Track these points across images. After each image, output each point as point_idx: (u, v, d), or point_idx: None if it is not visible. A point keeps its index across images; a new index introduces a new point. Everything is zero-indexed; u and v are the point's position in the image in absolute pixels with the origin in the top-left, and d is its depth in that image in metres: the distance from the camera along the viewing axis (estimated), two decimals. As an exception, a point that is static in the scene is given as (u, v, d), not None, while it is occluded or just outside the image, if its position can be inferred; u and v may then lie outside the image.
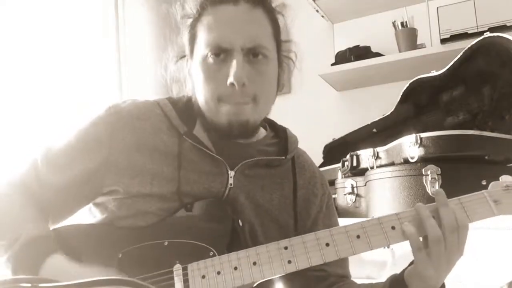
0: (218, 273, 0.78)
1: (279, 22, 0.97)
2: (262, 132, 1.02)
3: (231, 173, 0.90)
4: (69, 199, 0.92)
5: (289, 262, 0.78)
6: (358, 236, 0.79)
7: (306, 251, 0.78)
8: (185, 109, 0.95)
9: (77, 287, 0.50)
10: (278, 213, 0.94)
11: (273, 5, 0.95)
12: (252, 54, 0.87)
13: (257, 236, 0.90)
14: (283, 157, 0.96)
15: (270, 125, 1.06)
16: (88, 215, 0.96)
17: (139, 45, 2.34)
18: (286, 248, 0.79)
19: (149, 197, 0.87)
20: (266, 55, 0.89)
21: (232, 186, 0.90)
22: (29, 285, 0.50)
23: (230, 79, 0.84)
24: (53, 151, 0.91)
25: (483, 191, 0.79)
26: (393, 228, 0.79)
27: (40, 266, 0.78)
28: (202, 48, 0.88)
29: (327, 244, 0.78)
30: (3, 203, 0.88)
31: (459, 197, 0.79)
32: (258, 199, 0.93)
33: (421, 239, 0.77)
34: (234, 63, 0.85)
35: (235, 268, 0.78)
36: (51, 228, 0.90)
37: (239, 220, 0.87)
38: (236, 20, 0.87)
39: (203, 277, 0.78)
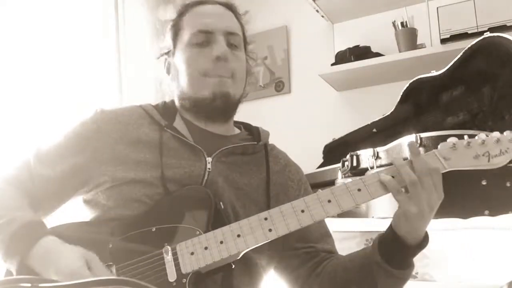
0: (206, 248, 0.86)
1: (244, 27, 1.12)
2: (237, 130, 1.14)
3: (209, 159, 0.99)
4: (59, 190, 1.00)
5: (270, 230, 0.86)
6: (329, 201, 0.87)
7: (284, 218, 0.87)
8: (165, 107, 1.09)
9: (77, 287, 0.50)
10: (257, 195, 1.02)
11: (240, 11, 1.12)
12: (229, 40, 1.03)
13: (238, 217, 0.95)
14: (255, 143, 1.07)
15: (245, 126, 1.17)
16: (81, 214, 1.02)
17: (139, 45, 2.34)
18: (266, 219, 0.87)
19: (134, 183, 0.94)
20: (240, 44, 1.06)
21: (210, 170, 0.98)
22: (29, 285, 0.50)
23: (216, 53, 0.99)
24: (43, 149, 1.01)
25: (433, 150, 0.90)
26: (359, 190, 0.88)
27: (32, 247, 0.84)
28: (186, 35, 1.03)
29: (302, 211, 0.87)
30: None
31: (410, 159, 0.88)
32: (238, 183, 1.01)
33: (403, 190, 0.86)
34: (219, 41, 1.01)
35: (221, 242, 0.86)
36: (47, 215, 1.01)
37: (220, 203, 0.94)
38: (215, 12, 1.06)
39: (192, 253, 0.85)
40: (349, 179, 1.69)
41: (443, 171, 0.88)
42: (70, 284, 0.51)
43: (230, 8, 1.09)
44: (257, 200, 1.02)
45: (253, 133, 1.13)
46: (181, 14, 1.07)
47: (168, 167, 0.96)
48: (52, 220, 1.00)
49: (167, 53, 1.09)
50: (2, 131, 1.66)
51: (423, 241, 0.90)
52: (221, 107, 1.02)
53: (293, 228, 0.86)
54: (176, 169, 0.96)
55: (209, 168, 0.98)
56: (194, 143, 1.00)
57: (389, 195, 0.87)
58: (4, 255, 0.87)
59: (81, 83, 2.02)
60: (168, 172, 0.96)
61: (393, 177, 0.87)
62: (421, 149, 1.44)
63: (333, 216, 0.89)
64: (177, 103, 1.09)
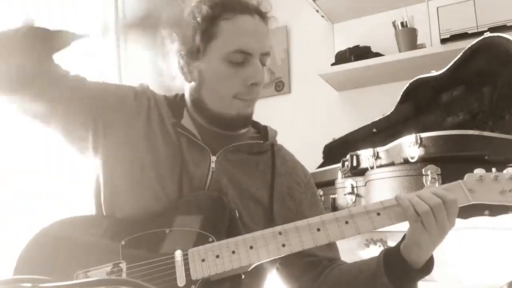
0: (217, 256, 0.85)
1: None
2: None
3: (213, 158, 0.99)
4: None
5: (283, 245, 0.86)
6: (346, 222, 0.87)
7: (299, 235, 0.86)
8: (175, 102, 1.07)
9: (77, 287, 0.50)
10: (261, 196, 1.01)
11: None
12: (262, 60, 0.99)
13: (242, 217, 0.96)
14: (262, 142, 1.06)
15: (253, 124, 1.14)
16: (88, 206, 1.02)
17: (139, 45, 2.33)
18: (280, 233, 0.87)
19: (147, 169, 0.95)
20: (268, 60, 1.02)
21: (214, 169, 0.98)
22: (29, 285, 0.50)
23: (254, 80, 0.96)
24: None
25: (459, 180, 0.89)
26: (378, 214, 0.88)
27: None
28: (222, 49, 0.96)
29: (318, 229, 0.87)
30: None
31: (438, 187, 0.89)
32: (242, 184, 1.00)
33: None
34: (256, 64, 0.96)
35: (233, 252, 0.85)
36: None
37: (236, 211, 0.94)
38: (255, 31, 0.98)
39: (203, 260, 0.85)
40: (349, 179, 1.70)
41: (466, 204, 0.87)
42: (70, 284, 0.51)
43: (264, 17, 1.01)
44: (260, 201, 1.01)
45: (260, 131, 1.12)
46: (216, 17, 0.96)
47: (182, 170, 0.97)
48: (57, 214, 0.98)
49: (189, 54, 1.00)
50: (1, 130, 1.66)
51: (429, 265, 0.90)
52: (240, 125, 1.02)
53: (307, 246, 0.86)
54: (187, 171, 0.96)
55: (213, 168, 0.98)
56: (202, 143, 1.00)
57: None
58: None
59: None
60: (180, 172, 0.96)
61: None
62: (421, 149, 1.44)
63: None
64: (188, 102, 1.06)
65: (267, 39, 1.00)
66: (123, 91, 1.04)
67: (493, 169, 0.89)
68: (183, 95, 1.08)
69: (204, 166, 0.98)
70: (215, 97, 0.99)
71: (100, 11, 2.20)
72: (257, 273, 0.93)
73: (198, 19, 0.96)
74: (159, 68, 1.06)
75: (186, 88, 1.05)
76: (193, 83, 1.01)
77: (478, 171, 0.89)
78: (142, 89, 1.05)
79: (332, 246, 1.07)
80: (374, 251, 1.49)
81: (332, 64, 2.22)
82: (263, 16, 1.00)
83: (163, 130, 1.00)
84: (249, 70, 0.96)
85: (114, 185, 0.96)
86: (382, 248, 1.46)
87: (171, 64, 1.03)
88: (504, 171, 0.89)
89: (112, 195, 0.96)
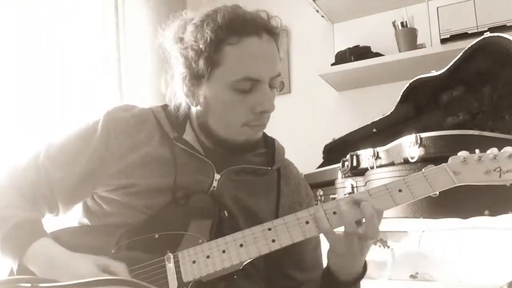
0: (208, 257, 0.85)
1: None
2: None
3: (217, 176, 0.96)
4: (70, 192, 0.97)
5: (273, 241, 0.85)
6: (334, 213, 0.86)
7: (288, 230, 0.86)
8: (177, 116, 1.00)
9: (77, 287, 0.50)
10: (265, 217, 0.98)
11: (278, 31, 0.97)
12: (271, 83, 0.93)
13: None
14: (269, 168, 1.02)
15: None
16: (82, 217, 1.02)
17: (139, 45, 2.34)
18: (269, 229, 0.86)
19: (137, 194, 0.92)
20: (279, 82, 0.96)
21: (215, 188, 0.95)
22: (29, 285, 0.50)
23: (263, 108, 0.91)
24: (53, 148, 0.97)
25: (443, 164, 0.89)
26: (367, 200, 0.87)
27: (27, 248, 0.83)
28: (228, 77, 0.89)
29: (307, 222, 0.86)
30: None
31: (422, 171, 0.89)
32: (246, 202, 0.97)
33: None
34: (265, 90, 0.90)
35: (223, 251, 0.85)
36: (64, 213, 1.00)
37: (225, 211, 0.93)
38: (263, 54, 0.90)
39: (194, 262, 0.85)
40: (349, 179, 1.70)
41: (452, 186, 0.87)
42: (70, 284, 0.51)
43: (273, 34, 0.93)
44: (263, 221, 0.97)
45: (267, 145, 1.07)
46: (220, 41, 0.88)
47: (178, 181, 0.94)
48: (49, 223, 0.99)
49: (193, 79, 0.92)
50: (2, 130, 1.66)
51: (361, 276, 0.92)
52: (248, 149, 0.99)
53: (296, 239, 0.86)
54: (182, 183, 0.94)
55: (214, 187, 0.95)
56: (205, 157, 0.96)
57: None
58: (2, 253, 0.87)
59: (81, 82, 2.02)
60: (179, 182, 0.94)
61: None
62: (421, 149, 1.44)
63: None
64: (194, 122, 1.00)
65: (277, 61, 0.93)
66: (85, 138, 0.96)
67: (477, 150, 0.89)
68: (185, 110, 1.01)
69: (207, 183, 0.95)
70: (222, 124, 0.94)
71: (100, 11, 2.20)
72: (251, 272, 0.94)
73: (201, 45, 0.88)
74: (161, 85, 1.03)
75: (192, 109, 1.00)
76: (199, 107, 0.95)
77: (462, 153, 0.89)
78: (112, 121, 0.96)
79: (317, 271, 1.05)
80: (374, 251, 1.49)
81: (332, 64, 2.22)
82: (272, 33, 0.92)
83: (160, 149, 0.96)
84: (258, 97, 0.90)
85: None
86: (382, 248, 1.46)
87: (175, 86, 0.97)
88: (488, 151, 0.89)
89: (98, 209, 0.97)
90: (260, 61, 0.89)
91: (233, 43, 0.88)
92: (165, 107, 1.02)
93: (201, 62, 0.89)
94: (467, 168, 0.88)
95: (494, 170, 0.87)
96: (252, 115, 0.91)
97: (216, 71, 0.90)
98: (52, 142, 0.98)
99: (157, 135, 0.97)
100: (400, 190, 0.87)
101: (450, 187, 0.87)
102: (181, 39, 0.92)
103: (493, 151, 0.88)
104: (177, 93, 0.97)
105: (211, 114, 0.94)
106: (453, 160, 0.89)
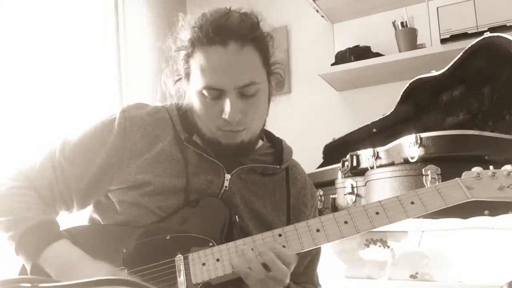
0: (218, 260, 0.85)
1: (269, 46, 0.98)
2: (259, 143, 1.07)
3: (227, 176, 0.97)
4: (89, 188, 0.97)
5: (283, 247, 0.85)
6: (345, 222, 0.86)
7: (299, 236, 0.86)
8: (186, 117, 1.01)
9: (77, 287, 0.50)
10: (271, 218, 1.00)
11: (264, 30, 0.96)
12: (243, 92, 0.91)
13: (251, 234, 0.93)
14: (278, 166, 1.03)
15: (267, 135, 1.11)
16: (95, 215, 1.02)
17: (139, 45, 2.34)
18: (280, 235, 0.87)
19: (150, 194, 0.93)
20: (256, 89, 0.92)
21: (227, 188, 0.96)
22: (29, 285, 0.50)
23: (225, 117, 0.90)
24: (69, 146, 0.98)
25: (456, 178, 0.89)
26: (377, 213, 0.87)
27: (43, 249, 0.85)
28: (197, 84, 0.92)
29: (318, 230, 0.86)
30: (17, 194, 0.93)
31: (435, 185, 0.88)
32: (254, 204, 0.98)
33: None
34: (227, 102, 0.89)
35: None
36: (78, 211, 1.01)
37: (236, 216, 0.94)
38: (226, 65, 0.89)
39: (203, 264, 0.85)
40: (349, 179, 1.70)
41: (466, 201, 0.87)
42: (70, 284, 0.50)
43: (247, 41, 0.90)
44: (270, 223, 1.00)
45: (275, 145, 1.09)
46: (194, 48, 0.92)
47: (191, 180, 0.95)
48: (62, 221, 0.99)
49: (178, 80, 0.99)
50: (2, 131, 1.66)
51: None
52: (237, 152, 0.97)
53: (307, 247, 0.86)
54: (194, 185, 0.95)
55: (226, 186, 0.96)
56: (215, 159, 0.97)
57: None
58: (16, 252, 0.87)
59: (81, 83, 2.02)
60: (191, 184, 0.95)
61: None
62: (421, 149, 1.44)
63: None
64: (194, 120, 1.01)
65: (244, 71, 0.90)
66: (102, 137, 0.98)
67: (491, 167, 0.89)
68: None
69: (218, 184, 0.96)
70: (202, 125, 0.96)
71: (100, 11, 2.20)
72: None
73: (178, 54, 0.95)
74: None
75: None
76: (187, 106, 0.99)
77: (476, 169, 0.89)
78: (129, 118, 0.98)
79: (309, 270, 1.06)
80: (374, 251, 1.49)
81: (332, 64, 2.22)
82: (245, 39, 0.89)
83: (173, 149, 0.97)
84: (222, 105, 0.91)
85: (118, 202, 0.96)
86: (382, 248, 1.46)
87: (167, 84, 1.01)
88: (502, 168, 0.89)
89: (114, 210, 0.97)
90: (222, 71, 0.89)
91: (197, 53, 0.91)
92: (179, 106, 1.03)
93: (181, 67, 0.96)
94: (481, 183, 0.88)
95: (508, 187, 0.87)
96: (222, 121, 0.92)
97: (190, 76, 0.95)
98: (66, 140, 0.99)
99: (170, 134, 0.98)
100: (412, 202, 0.87)
101: (463, 202, 0.87)
102: (174, 42, 0.97)
103: (506, 167, 0.88)
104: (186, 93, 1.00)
105: (195, 114, 0.97)
106: (466, 175, 0.89)
